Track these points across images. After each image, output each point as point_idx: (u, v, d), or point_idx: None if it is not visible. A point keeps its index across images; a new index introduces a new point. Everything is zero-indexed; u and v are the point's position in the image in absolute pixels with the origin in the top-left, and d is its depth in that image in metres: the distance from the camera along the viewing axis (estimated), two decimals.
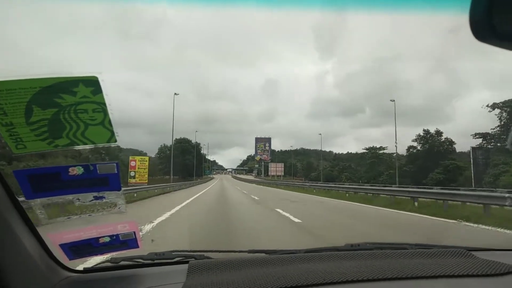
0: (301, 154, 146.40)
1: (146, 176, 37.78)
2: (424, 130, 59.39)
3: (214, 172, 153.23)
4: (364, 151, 70.58)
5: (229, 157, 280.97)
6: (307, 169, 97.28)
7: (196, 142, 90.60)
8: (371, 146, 69.22)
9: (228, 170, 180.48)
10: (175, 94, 43.24)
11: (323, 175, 69.58)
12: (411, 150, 59.97)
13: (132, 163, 37.42)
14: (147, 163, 38.69)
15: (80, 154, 27.19)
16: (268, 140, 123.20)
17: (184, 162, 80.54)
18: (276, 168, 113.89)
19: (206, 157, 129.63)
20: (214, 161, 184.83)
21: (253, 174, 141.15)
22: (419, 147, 58.92)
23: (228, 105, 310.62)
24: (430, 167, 50.76)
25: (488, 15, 0.68)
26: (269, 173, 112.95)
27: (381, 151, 65.96)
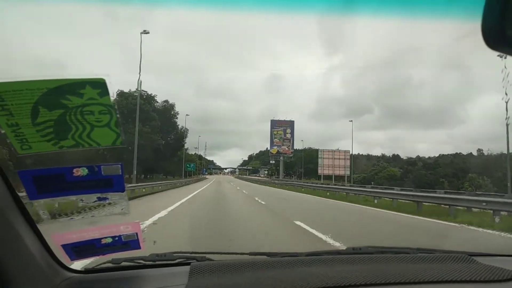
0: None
1: None
2: None
3: (207, 173, 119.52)
4: None
5: (228, 158, 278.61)
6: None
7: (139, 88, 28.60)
8: None
9: (227, 170, 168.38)
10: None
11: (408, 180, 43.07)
12: None
13: None
14: None
15: None
16: (290, 124, 74.53)
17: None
18: (333, 163, 60.70)
19: (203, 155, 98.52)
20: (212, 161, 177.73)
21: (259, 175, 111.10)
22: None
23: (226, 105, 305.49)
24: None
25: (501, 23, 0.66)
26: (319, 172, 60.98)
27: None
